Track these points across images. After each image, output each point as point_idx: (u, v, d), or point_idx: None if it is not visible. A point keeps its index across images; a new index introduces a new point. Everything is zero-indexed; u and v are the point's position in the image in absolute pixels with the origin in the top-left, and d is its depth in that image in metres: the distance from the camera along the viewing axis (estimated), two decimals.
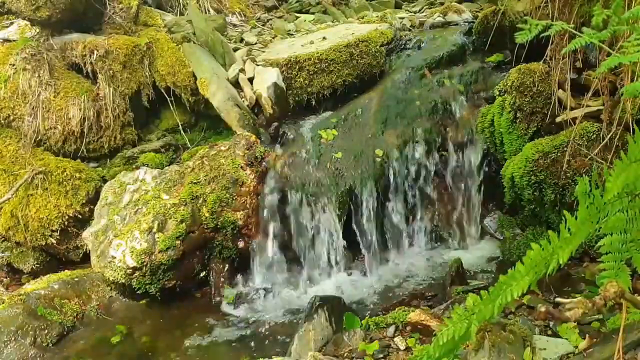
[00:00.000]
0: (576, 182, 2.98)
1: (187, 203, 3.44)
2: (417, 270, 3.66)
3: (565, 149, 3.15)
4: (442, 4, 5.21)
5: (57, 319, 3.20)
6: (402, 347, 2.55)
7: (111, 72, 4.15)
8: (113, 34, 4.37)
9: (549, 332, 2.42)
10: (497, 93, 3.63)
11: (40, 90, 4.08)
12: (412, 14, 5.27)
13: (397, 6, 5.90)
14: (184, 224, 3.37)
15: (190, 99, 4.22)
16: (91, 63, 4.15)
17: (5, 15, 5.01)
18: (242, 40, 4.89)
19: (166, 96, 4.28)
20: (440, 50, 4.25)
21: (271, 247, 3.59)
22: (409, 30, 4.69)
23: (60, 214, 3.87)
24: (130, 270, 3.29)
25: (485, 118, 3.67)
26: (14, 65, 4.11)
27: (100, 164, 4.23)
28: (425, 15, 5.00)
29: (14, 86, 4.09)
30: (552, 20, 1.55)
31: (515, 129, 3.48)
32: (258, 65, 4.21)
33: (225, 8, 5.61)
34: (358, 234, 3.69)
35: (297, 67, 4.09)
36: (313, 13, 5.79)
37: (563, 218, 1.45)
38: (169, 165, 3.87)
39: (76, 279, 3.50)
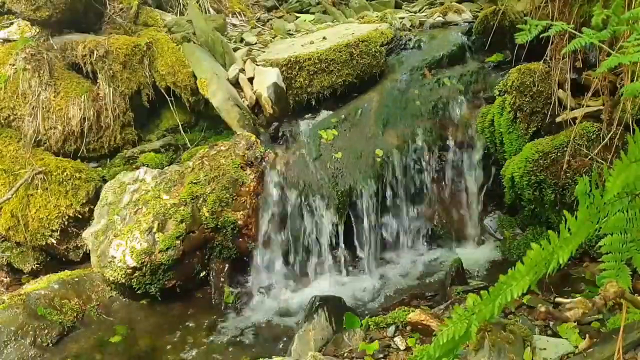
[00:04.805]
0: (576, 182, 2.98)
1: (187, 203, 3.44)
2: (417, 270, 3.66)
3: (565, 149, 3.15)
4: (442, 4, 5.20)
5: (57, 319, 3.20)
6: (402, 347, 2.55)
7: (111, 72, 4.14)
8: (113, 34, 4.36)
9: (549, 332, 2.42)
10: (497, 93, 3.63)
11: (40, 90, 4.08)
12: (412, 14, 5.27)
13: (397, 6, 5.89)
14: (184, 224, 3.38)
15: (190, 99, 4.22)
16: (91, 63, 4.15)
17: (5, 15, 5.02)
18: (242, 40, 4.89)
19: (166, 96, 4.28)
20: (440, 50, 4.25)
21: (271, 247, 3.59)
22: (409, 30, 4.69)
23: (60, 214, 3.87)
24: (130, 270, 3.29)
25: (485, 118, 3.67)
26: (14, 65, 4.10)
27: (100, 164, 4.23)
28: (425, 15, 5.00)
29: (14, 86, 4.09)
30: (552, 20, 1.55)
31: (515, 129, 3.48)
32: (258, 65, 4.20)
33: (225, 8, 5.61)
34: (358, 234, 3.69)
35: (297, 67, 4.08)
36: (313, 13, 5.79)
37: (563, 218, 1.45)
38: (169, 165, 3.87)
39: (76, 279, 3.50)
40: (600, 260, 1.52)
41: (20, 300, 3.18)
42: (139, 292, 3.36)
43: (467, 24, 4.58)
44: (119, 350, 3.14)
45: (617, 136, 2.94)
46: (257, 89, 4.03)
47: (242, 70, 4.19)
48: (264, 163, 3.67)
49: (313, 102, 4.17)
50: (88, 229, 3.62)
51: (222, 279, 3.52)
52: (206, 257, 3.53)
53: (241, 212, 3.52)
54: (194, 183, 3.51)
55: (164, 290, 3.39)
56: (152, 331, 3.27)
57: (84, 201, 3.91)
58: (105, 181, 3.91)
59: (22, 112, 4.09)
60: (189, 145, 4.26)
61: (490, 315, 1.39)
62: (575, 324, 2.38)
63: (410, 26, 4.74)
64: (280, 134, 3.88)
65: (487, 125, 3.65)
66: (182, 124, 4.33)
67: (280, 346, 2.99)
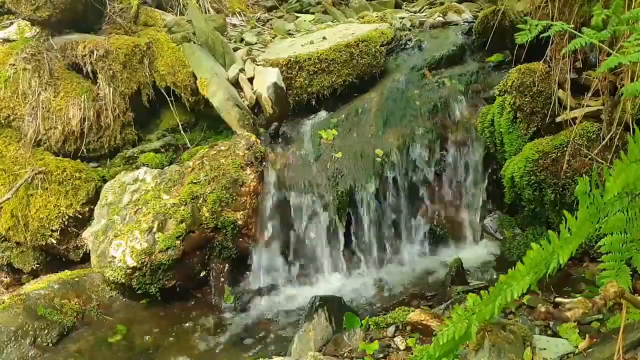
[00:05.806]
0: (576, 182, 2.97)
1: (187, 203, 3.44)
2: (417, 270, 3.66)
3: (565, 149, 3.15)
4: (442, 4, 5.20)
5: (57, 319, 3.20)
6: (402, 347, 2.55)
7: (111, 72, 4.14)
8: (113, 34, 4.36)
9: (549, 332, 2.42)
10: (497, 93, 3.63)
11: (40, 90, 4.08)
12: (412, 14, 5.27)
13: (397, 6, 5.90)
14: (184, 223, 3.38)
15: (190, 98, 4.22)
16: (91, 63, 4.15)
17: (5, 15, 5.02)
18: (242, 40, 4.89)
19: (166, 96, 4.28)
20: (440, 50, 4.26)
21: (271, 247, 3.59)
22: (409, 30, 4.69)
23: (60, 214, 3.87)
24: (130, 270, 3.29)
25: (485, 118, 3.67)
26: (14, 65, 4.10)
27: (100, 164, 4.22)
28: (425, 15, 5.00)
29: (14, 86, 4.08)
30: (552, 20, 1.55)
31: (515, 129, 3.48)
32: (258, 65, 4.21)
33: (225, 8, 5.61)
34: (358, 234, 3.69)
35: (297, 67, 4.09)
36: (313, 13, 5.79)
37: (563, 218, 1.45)
38: (169, 165, 3.87)
39: (76, 279, 3.50)
40: (600, 260, 1.53)
41: (20, 300, 3.18)
42: (139, 292, 3.36)
43: (467, 24, 4.58)
44: (119, 350, 3.14)
45: (617, 136, 2.94)
46: (257, 89, 4.03)
47: (242, 70, 4.20)
48: (264, 163, 3.67)
49: (313, 102, 4.17)
50: (88, 229, 3.62)
51: (222, 279, 3.52)
52: (206, 257, 3.53)
53: (241, 212, 3.52)
54: (194, 183, 3.51)
55: (164, 290, 3.39)
56: (152, 331, 3.27)
57: (84, 201, 3.91)
58: (105, 181, 3.91)
59: (22, 112, 4.09)
60: (189, 145, 4.25)
61: (490, 315, 1.39)
62: (575, 324, 2.38)
63: (410, 26, 4.75)
64: (280, 133, 3.89)
65: (487, 125, 3.65)
66: (182, 124, 4.33)
67: (281, 346, 2.98)
